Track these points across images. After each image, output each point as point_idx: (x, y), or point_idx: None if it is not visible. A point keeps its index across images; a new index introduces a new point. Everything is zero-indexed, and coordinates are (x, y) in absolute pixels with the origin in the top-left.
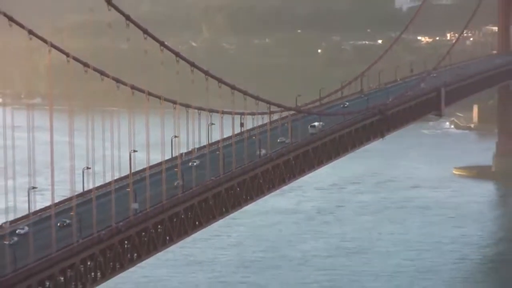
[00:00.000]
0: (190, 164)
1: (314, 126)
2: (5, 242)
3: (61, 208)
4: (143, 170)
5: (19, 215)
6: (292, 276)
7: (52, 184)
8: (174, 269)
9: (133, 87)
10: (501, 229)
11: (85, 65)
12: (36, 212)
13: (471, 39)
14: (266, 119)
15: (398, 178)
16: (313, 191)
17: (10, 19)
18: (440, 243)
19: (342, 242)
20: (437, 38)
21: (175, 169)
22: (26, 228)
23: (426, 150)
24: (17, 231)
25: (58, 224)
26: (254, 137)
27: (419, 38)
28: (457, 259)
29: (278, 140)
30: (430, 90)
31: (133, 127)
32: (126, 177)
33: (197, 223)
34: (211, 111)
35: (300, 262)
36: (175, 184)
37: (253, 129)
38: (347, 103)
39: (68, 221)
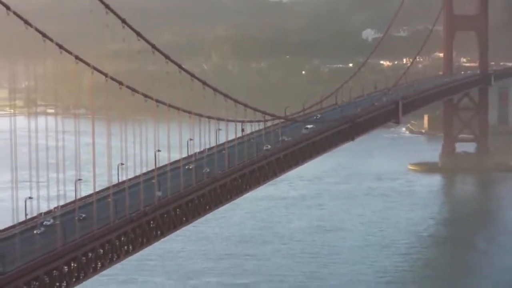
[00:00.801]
0: (186, 167)
1: (307, 128)
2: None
3: (100, 195)
4: (165, 165)
5: (68, 201)
6: (282, 248)
7: (94, 177)
8: (189, 243)
9: (157, 101)
10: (445, 211)
11: (120, 83)
12: (81, 199)
13: (422, 63)
14: (262, 126)
15: (364, 171)
16: (298, 182)
17: (61, 47)
18: (397, 222)
19: (321, 222)
20: (396, 62)
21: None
22: (52, 220)
23: (387, 150)
24: (44, 223)
25: (76, 218)
26: (252, 140)
27: (381, 62)
28: (411, 235)
29: (264, 148)
30: (390, 103)
31: (157, 132)
32: (152, 171)
33: (207, 207)
34: (219, 119)
35: (288, 238)
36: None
37: (252, 133)
38: (319, 115)
39: (83, 215)
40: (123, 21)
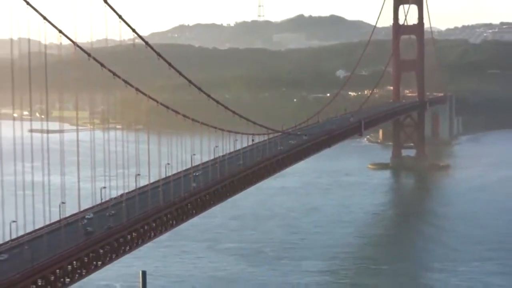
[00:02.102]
0: (193, 174)
1: (311, 133)
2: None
3: (153, 186)
4: (198, 165)
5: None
6: (281, 223)
7: (149, 173)
8: (216, 219)
9: (193, 119)
10: (393, 197)
11: (167, 107)
12: (140, 188)
13: (378, 93)
14: (266, 137)
15: (337, 169)
16: (292, 177)
17: (126, 82)
18: (360, 204)
19: (307, 204)
20: (359, 93)
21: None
22: (92, 215)
23: (353, 154)
24: (86, 216)
25: (107, 214)
26: (258, 147)
27: (349, 93)
28: (371, 214)
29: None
30: (356, 121)
31: (193, 142)
32: (189, 168)
33: (228, 194)
34: (236, 132)
35: (285, 216)
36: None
37: (258, 143)
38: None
39: (113, 212)
40: (169, 64)
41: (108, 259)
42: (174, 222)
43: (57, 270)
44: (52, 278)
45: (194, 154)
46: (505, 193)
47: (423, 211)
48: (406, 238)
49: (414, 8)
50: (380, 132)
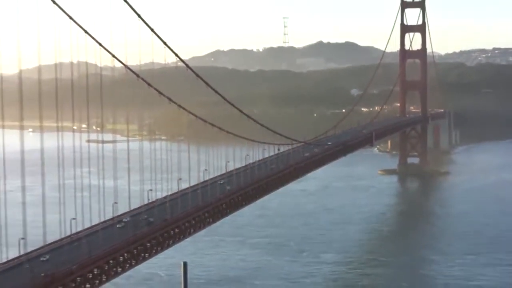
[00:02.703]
0: (219, 182)
1: (329, 143)
2: (117, 225)
3: (193, 189)
4: (232, 171)
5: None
6: (302, 221)
7: (189, 177)
8: (245, 218)
9: (228, 132)
10: (399, 198)
11: (204, 121)
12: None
13: (387, 109)
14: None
15: (351, 174)
16: (312, 181)
17: (169, 99)
18: (370, 204)
19: (325, 205)
20: (371, 109)
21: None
22: (128, 218)
23: (365, 162)
24: (123, 220)
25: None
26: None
27: (362, 109)
28: (380, 213)
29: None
30: (368, 133)
31: (227, 150)
32: (223, 174)
33: (257, 195)
34: (265, 143)
35: (306, 215)
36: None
37: (283, 152)
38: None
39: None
40: (207, 83)
41: (154, 251)
42: (211, 219)
43: (110, 261)
44: (106, 267)
45: (228, 162)
46: (494, 194)
47: (424, 211)
48: (409, 233)
49: (418, 35)
50: (389, 142)
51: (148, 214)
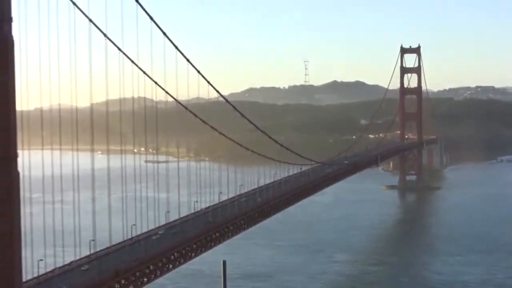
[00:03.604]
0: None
1: (346, 162)
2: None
3: (230, 200)
4: (263, 185)
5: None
6: (319, 227)
7: (228, 191)
8: (272, 224)
9: (259, 154)
10: (400, 208)
11: (240, 145)
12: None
13: (389, 136)
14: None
15: (360, 189)
16: (327, 195)
17: (212, 127)
18: (376, 213)
19: (338, 213)
20: (376, 136)
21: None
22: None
23: (371, 179)
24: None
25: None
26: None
27: (369, 135)
28: (384, 220)
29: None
30: (373, 155)
31: (259, 169)
32: (255, 188)
33: (283, 206)
34: (289, 163)
35: (322, 222)
36: None
37: (304, 171)
38: (346, 161)
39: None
40: (242, 114)
41: (198, 251)
42: (245, 226)
43: (164, 259)
44: (160, 264)
45: (259, 179)
46: (478, 205)
47: (420, 219)
48: (407, 237)
49: (414, 76)
50: (391, 163)
51: (194, 222)
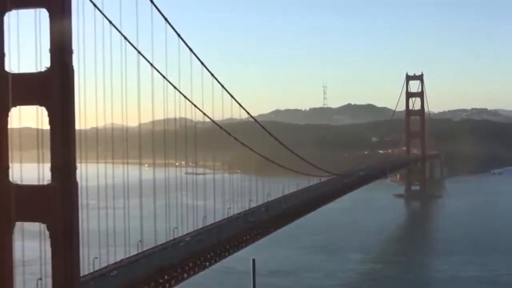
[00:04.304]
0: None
1: (361, 173)
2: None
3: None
4: (286, 195)
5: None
6: (336, 230)
7: (257, 200)
8: (293, 228)
9: (284, 167)
10: (406, 214)
11: (268, 159)
12: (251, 209)
13: (397, 151)
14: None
15: (371, 198)
16: (342, 202)
17: (243, 144)
18: (386, 218)
19: (353, 218)
20: (385, 151)
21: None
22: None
23: (381, 189)
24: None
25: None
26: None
27: (379, 151)
28: (393, 224)
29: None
30: (382, 168)
31: (284, 181)
32: (281, 196)
33: (305, 212)
34: (310, 175)
35: (338, 226)
36: None
37: (323, 182)
38: (362, 173)
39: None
40: (269, 133)
41: (231, 251)
42: (272, 229)
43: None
44: (198, 262)
45: (283, 188)
46: (474, 210)
47: (424, 223)
48: (413, 239)
49: (418, 99)
50: (398, 175)
51: (229, 226)
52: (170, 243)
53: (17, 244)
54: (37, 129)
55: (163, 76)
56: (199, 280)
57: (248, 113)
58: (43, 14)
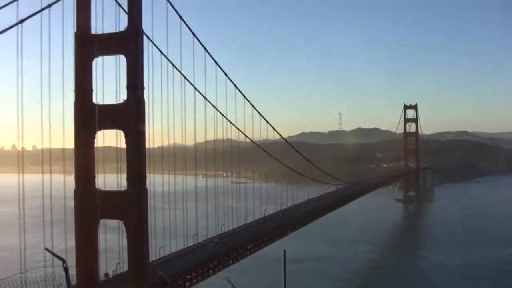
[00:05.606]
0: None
1: (370, 182)
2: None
3: (288, 209)
4: (306, 201)
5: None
6: (347, 228)
7: (286, 201)
8: (313, 226)
9: (309, 177)
10: (404, 215)
11: (296, 171)
12: (282, 209)
13: (396, 165)
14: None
15: (376, 202)
16: (352, 205)
17: (275, 158)
18: (388, 218)
19: (362, 218)
20: (387, 165)
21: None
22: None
23: (384, 195)
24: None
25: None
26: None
27: (383, 165)
28: (394, 223)
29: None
30: (386, 178)
31: (307, 188)
32: (305, 200)
33: (325, 213)
34: (329, 184)
35: (349, 225)
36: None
37: (338, 189)
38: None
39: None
40: (297, 151)
41: (266, 244)
42: (299, 226)
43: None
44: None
45: (308, 194)
46: (460, 211)
47: (418, 222)
48: (410, 234)
49: (413, 124)
50: (398, 183)
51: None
52: (217, 238)
53: (101, 237)
54: (117, 148)
55: (215, 108)
56: (239, 267)
57: (280, 135)
58: (122, 59)
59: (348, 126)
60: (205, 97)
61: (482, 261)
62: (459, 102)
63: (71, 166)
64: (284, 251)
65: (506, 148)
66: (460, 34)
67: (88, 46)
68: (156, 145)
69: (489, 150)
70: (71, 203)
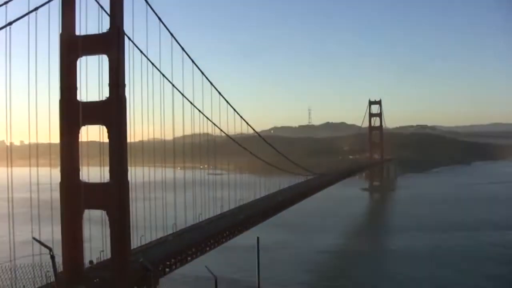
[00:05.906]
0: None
1: (337, 173)
2: None
3: (262, 198)
4: (281, 189)
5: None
6: (314, 215)
7: (260, 192)
8: (289, 213)
9: (280, 169)
10: (370, 202)
11: (268, 163)
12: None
13: (362, 157)
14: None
15: (343, 191)
16: (321, 194)
17: (250, 152)
18: (356, 206)
19: (330, 206)
20: (353, 157)
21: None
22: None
23: (352, 184)
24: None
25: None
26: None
27: (350, 156)
28: (362, 209)
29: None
30: (352, 169)
31: (279, 179)
32: (277, 191)
33: (295, 202)
34: (299, 174)
35: (317, 211)
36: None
37: (310, 179)
38: (338, 172)
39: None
40: (270, 144)
41: (240, 231)
42: (272, 214)
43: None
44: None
45: (280, 184)
46: (418, 198)
47: (383, 209)
48: (376, 220)
49: (378, 118)
50: (364, 174)
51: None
52: (196, 226)
53: (85, 227)
54: (100, 142)
55: (192, 104)
56: (211, 254)
57: (254, 130)
58: (105, 58)
59: (317, 120)
60: (183, 94)
61: (443, 244)
62: (420, 97)
63: (57, 159)
64: (258, 238)
65: (462, 140)
66: (420, 32)
67: (73, 46)
68: (137, 140)
69: (447, 142)
70: (57, 194)
